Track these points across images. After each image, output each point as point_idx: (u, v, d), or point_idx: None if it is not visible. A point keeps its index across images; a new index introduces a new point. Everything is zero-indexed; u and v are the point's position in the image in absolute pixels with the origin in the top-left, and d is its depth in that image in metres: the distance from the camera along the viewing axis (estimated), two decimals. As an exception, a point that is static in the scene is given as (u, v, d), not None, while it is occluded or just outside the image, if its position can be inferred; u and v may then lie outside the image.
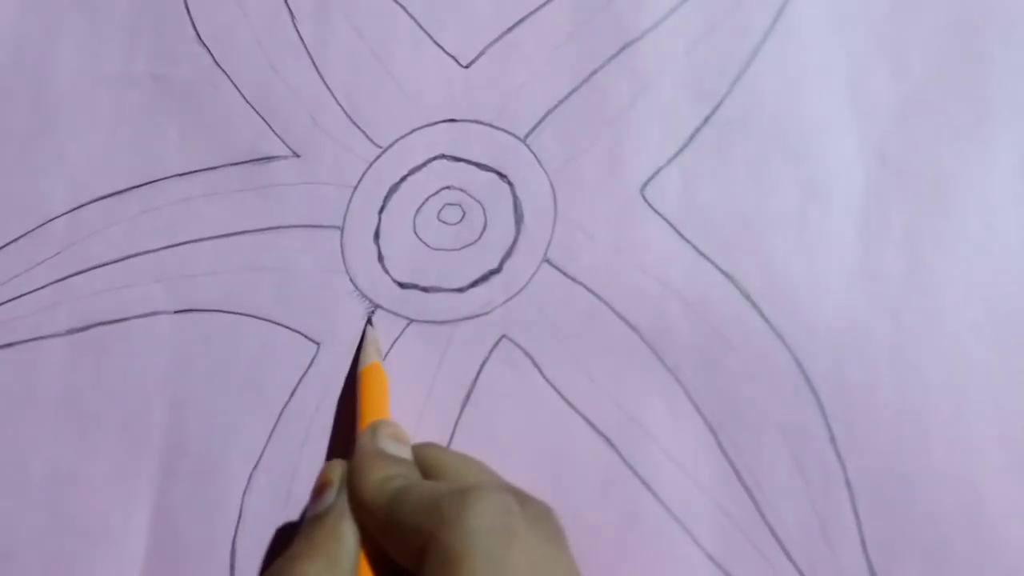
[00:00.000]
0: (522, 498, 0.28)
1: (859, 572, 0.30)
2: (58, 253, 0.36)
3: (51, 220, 0.37)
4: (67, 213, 0.37)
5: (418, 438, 0.33)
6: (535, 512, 0.27)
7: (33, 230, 0.37)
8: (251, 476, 0.34)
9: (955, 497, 0.30)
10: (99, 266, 0.36)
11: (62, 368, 0.35)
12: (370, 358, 0.33)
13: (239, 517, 0.33)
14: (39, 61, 0.39)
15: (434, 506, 0.26)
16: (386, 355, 0.34)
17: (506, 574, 0.25)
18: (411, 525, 0.26)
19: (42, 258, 0.36)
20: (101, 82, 0.38)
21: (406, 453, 0.31)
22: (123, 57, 0.38)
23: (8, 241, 0.37)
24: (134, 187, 0.37)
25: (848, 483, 0.31)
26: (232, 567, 0.33)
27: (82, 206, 0.37)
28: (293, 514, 0.33)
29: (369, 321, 0.34)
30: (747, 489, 0.31)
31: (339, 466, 0.30)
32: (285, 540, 0.33)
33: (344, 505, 0.29)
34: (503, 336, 0.34)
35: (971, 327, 0.32)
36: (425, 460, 0.31)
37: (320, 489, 0.30)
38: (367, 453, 0.30)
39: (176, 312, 0.35)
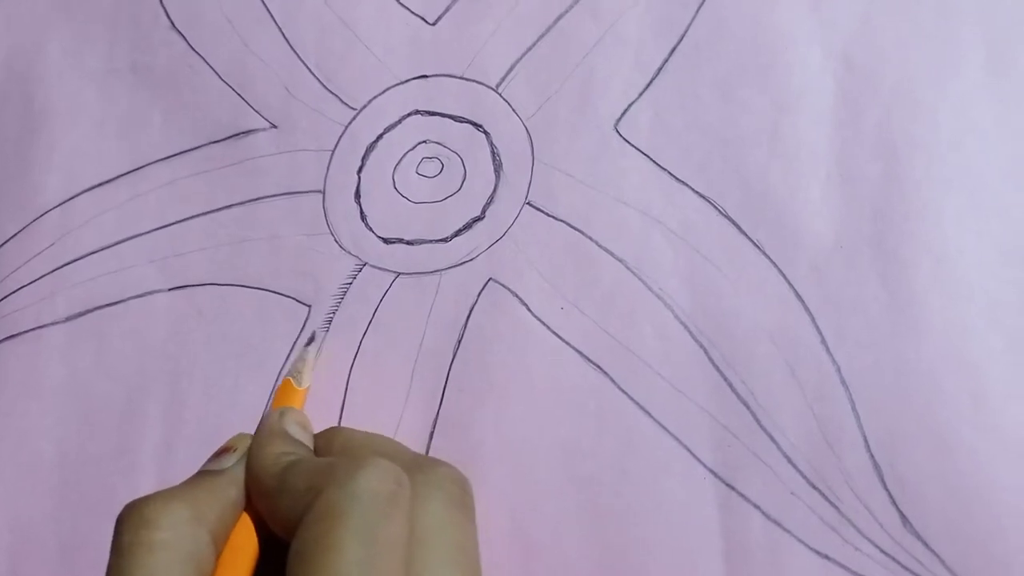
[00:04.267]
0: (427, 464, 0.28)
1: (863, 469, 0.30)
2: (52, 244, 0.37)
3: (45, 213, 0.38)
4: (59, 205, 0.38)
5: (414, 387, 0.33)
6: (439, 476, 0.28)
7: (28, 225, 0.38)
8: (253, 439, 0.34)
9: (954, 383, 0.30)
10: (93, 253, 0.37)
11: (64, 354, 0.36)
12: (296, 372, 0.33)
13: (245, 479, 0.33)
14: (28, 67, 0.40)
15: (328, 468, 0.26)
16: (376, 309, 0.35)
17: (378, 541, 0.25)
18: (302, 487, 0.26)
19: (38, 250, 0.37)
20: (86, 79, 0.40)
21: (307, 440, 0.31)
22: (105, 53, 0.40)
23: (6, 238, 0.38)
24: (122, 175, 0.38)
25: (844, 382, 0.31)
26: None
27: (73, 197, 0.38)
28: (297, 472, 0.33)
29: (311, 340, 0.35)
30: (742, 400, 0.31)
31: (247, 438, 0.30)
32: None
33: (237, 474, 0.29)
34: (490, 279, 0.34)
35: (952, 219, 0.32)
36: (334, 441, 0.31)
37: (220, 451, 0.30)
38: (271, 429, 0.30)
39: (170, 289, 0.36)
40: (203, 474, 0.29)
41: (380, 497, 0.25)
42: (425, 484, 0.27)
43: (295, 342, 0.35)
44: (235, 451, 0.30)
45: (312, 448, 0.31)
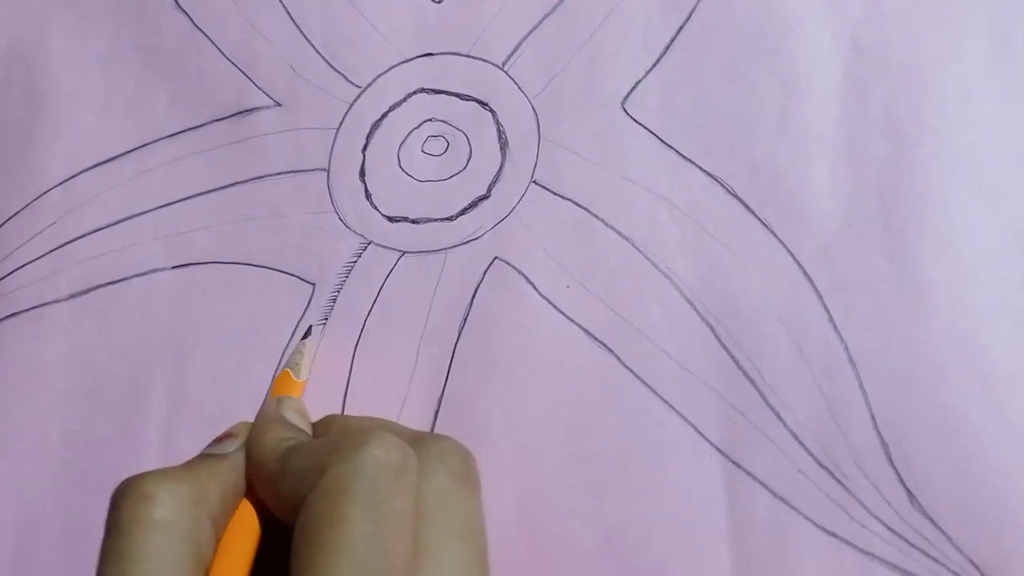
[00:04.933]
0: (429, 439, 0.28)
1: (871, 447, 0.30)
2: (55, 222, 0.37)
3: (47, 191, 0.37)
4: (62, 183, 0.37)
5: (419, 365, 0.33)
6: (442, 449, 0.28)
7: (30, 203, 0.37)
8: (257, 418, 0.34)
9: (961, 363, 0.30)
10: (96, 231, 0.37)
11: (67, 331, 0.36)
12: (294, 364, 0.33)
13: (249, 457, 0.33)
14: (32, 51, 0.40)
15: (331, 446, 0.26)
16: (380, 288, 0.34)
17: (385, 515, 0.24)
18: (304, 467, 0.26)
19: (40, 228, 0.37)
20: (91, 61, 0.39)
21: (305, 427, 0.31)
22: (109, 35, 0.39)
23: (8, 216, 0.38)
24: (126, 152, 0.38)
25: (852, 361, 0.31)
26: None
27: (76, 175, 0.37)
28: (301, 450, 0.33)
29: (308, 332, 0.34)
30: (749, 378, 0.31)
31: (248, 426, 0.30)
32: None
33: (239, 460, 0.28)
34: (495, 258, 0.34)
35: (959, 200, 0.32)
36: (332, 426, 0.31)
37: (222, 437, 0.29)
38: (269, 416, 0.30)
39: (174, 267, 0.36)
40: (204, 457, 0.29)
41: (386, 471, 0.25)
42: (428, 459, 0.27)
43: (298, 322, 0.35)
44: (237, 437, 0.29)
45: (311, 434, 0.31)
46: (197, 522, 0.26)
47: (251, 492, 0.28)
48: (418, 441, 0.28)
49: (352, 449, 0.25)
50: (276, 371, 0.34)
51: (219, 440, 0.30)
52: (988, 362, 0.30)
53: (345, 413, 0.34)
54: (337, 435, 0.29)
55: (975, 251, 0.31)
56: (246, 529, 0.28)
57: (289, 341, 0.34)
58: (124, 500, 0.25)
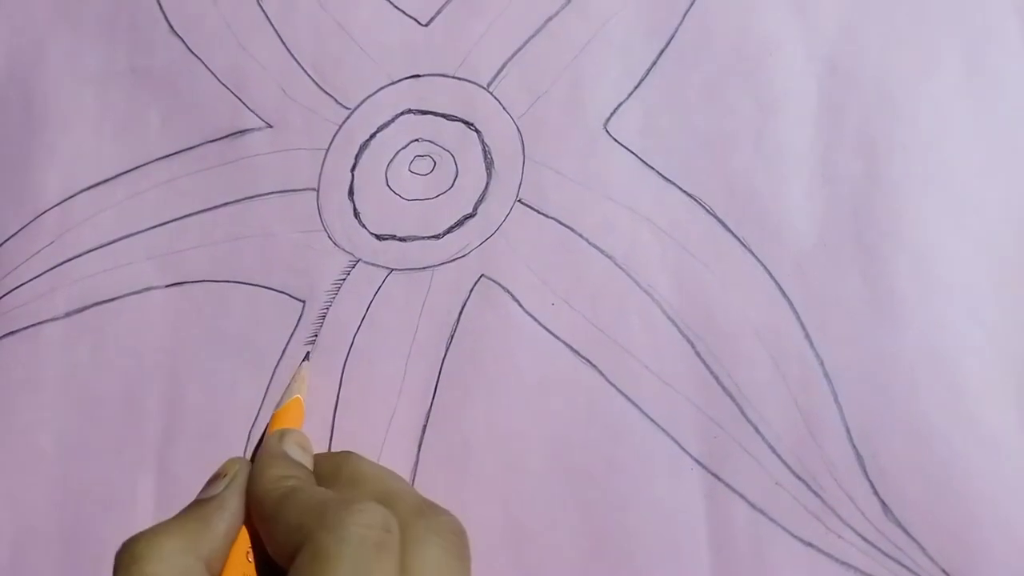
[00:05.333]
0: (430, 511, 0.29)
1: (846, 459, 0.31)
2: (52, 242, 0.38)
3: (44, 212, 0.38)
4: (59, 204, 0.38)
5: (407, 381, 0.34)
6: (440, 524, 0.28)
7: (28, 223, 0.38)
8: (250, 433, 0.35)
9: (932, 376, 0.31)
10: (92, 250, 0.38)
11: (63, 349, 0.37)
12: (294, 393, 0.34)
13: (241, 472, 0.34)
14: (29, 72, 0.41)
15: (320, 508, 0.27)
16: (369, 305, 0.35)
17: None
18: (295, 523, 0.27)
19: (38, 248, 0.38)
20: (85, 81, 0.40)
21: (307, 462, 0.32)
22: (104, 56, 0.40)
23: (7, 237, 0.38)
24: (120, 174, 0.38)
25: (827, 375, 0.31)
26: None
27: (72, 196, 0.38)
28: (292, 464, 0.34)
29: (306, 358, 0.35)
30: (728, 393, 0.32)
31: (239, 463, 0.31)
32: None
33: (230, 497, 0.30)
34: (481, 276, 0.35)
35: (931, 217, 0.33)
36: (342, 469, 0.31)
37: (215, 477, 0.31)
38: (271, 452, 0.31)
39: (167, 286, 0.37)
40: (195, 504, 0.30)
41: (368, 542, 0.26)
42: (426, 529, 0.28)
43: (289, 338, 0.35)
44: (227, 477, 0.30)
45: (312, 469, 0.31)
46: (187, 569, 0.27)
47: (250, 520, 0.29)
48: (418, 510, 0.29)
49: (337, 517, 0.26)
50: (267, 388, 0.35)
51: (211, 482, 0.31)
52: (959, 374, 0.31)
53: (331, 439, 0.34)
54: (341, 485, 0.30)
55: (947, 266, 0.32)
56: (242, 562, 0.29)
57: (280, 359, 0.35)
58: (119, 562, 0.27)
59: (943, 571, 0.29)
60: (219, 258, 0.37)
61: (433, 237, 0.36)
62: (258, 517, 0.29)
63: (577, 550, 0.32)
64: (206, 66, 0.39)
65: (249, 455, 0.34)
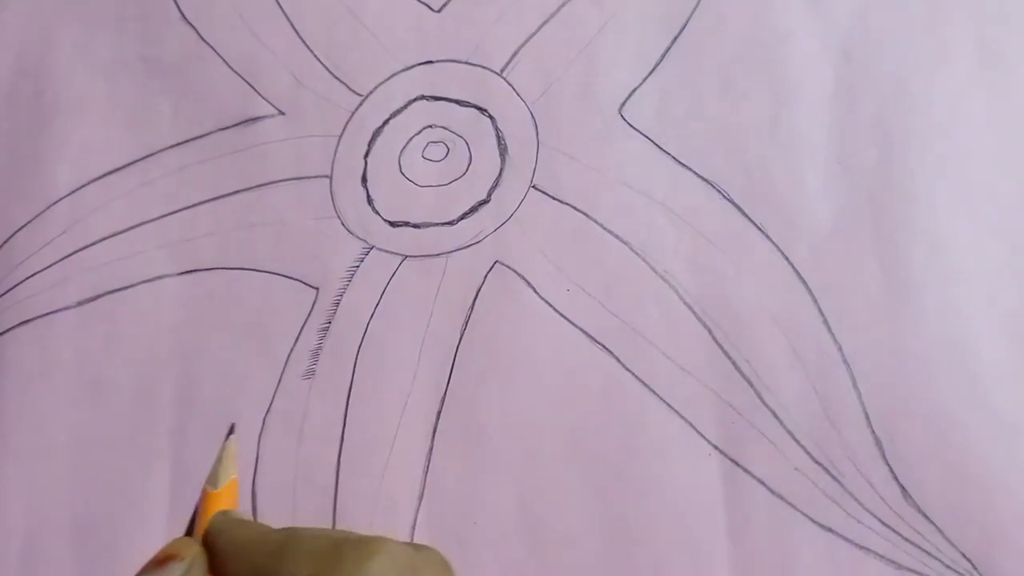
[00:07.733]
0: (414, 549, 0.29)
1: (865, 444, 0.31)
2: (64, 232, 0.38)
3: (56, 202, 0.38)
4: (71, 194, 0.38)
5: (421, 368, 0.34)
6: (428, 560, 0.28)
7: (41, 213, 0.38)
8: (264, 420, 0.34)
9: (949, 362, 0.31)
10: (104, 239, 0.37)
11: (75, 338, 0.36)
12: (229, 473, 0.33)
13: (256, 460, 0.34)
14: (39, 61, 0.40)
15: (335, 550, 0.26)
16: (383, 292, 0.35)
17: None
18: (306, 572, 0.26)
19: (50, 238, 0.38)
20: (96, 72, 0.40)
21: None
22: (114, 46, 0.40)
23: (19, 227, 0.38)
24: (132, 163, 0.38)
25: (845, 361, 0.31)
26: (254, 508, 0.33)
27: (84, 186, 0.38)
28: (307, 452, 0.34)
29: (231, 431, 0.35)
30: (746, 379, 0.32)
31: (192, 545, 0.30)
32: (301, 478, 0.33)
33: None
34: (496, 262, 0.35)
35: (945, 204, 0.32)
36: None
37: (162, 560, 0.29)
38: (232, 520, 0.31)
39: (180, 274, 0.37)
40: None
41: None
42: (427, 564, 0.28)
43: (303, 325, 0.35)
44: (182, 560, 0.29)
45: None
46: None
47: None
48: (409, 550, 0.28)
49: (357, 561, 0.26)
50: (280, 376, 0.35)
51: (158, 564, 0.29)
52: (976, 360, 0.31)
53: (344, 426, 0.34)
54: (341, 532, 0.29)
55: (962, 253, 0.32)
56: None
57: (293, 346, 0.35)
58: None
59: (962, 555, 0.29)
60: (232, 246, 0.36)
61: (447, 223, 0.35)
62: (250, 569, 0.28)
63: (593, 536, 0.32)
64: (218, 54, 0.39)
65: (264, 441, 0.34)
